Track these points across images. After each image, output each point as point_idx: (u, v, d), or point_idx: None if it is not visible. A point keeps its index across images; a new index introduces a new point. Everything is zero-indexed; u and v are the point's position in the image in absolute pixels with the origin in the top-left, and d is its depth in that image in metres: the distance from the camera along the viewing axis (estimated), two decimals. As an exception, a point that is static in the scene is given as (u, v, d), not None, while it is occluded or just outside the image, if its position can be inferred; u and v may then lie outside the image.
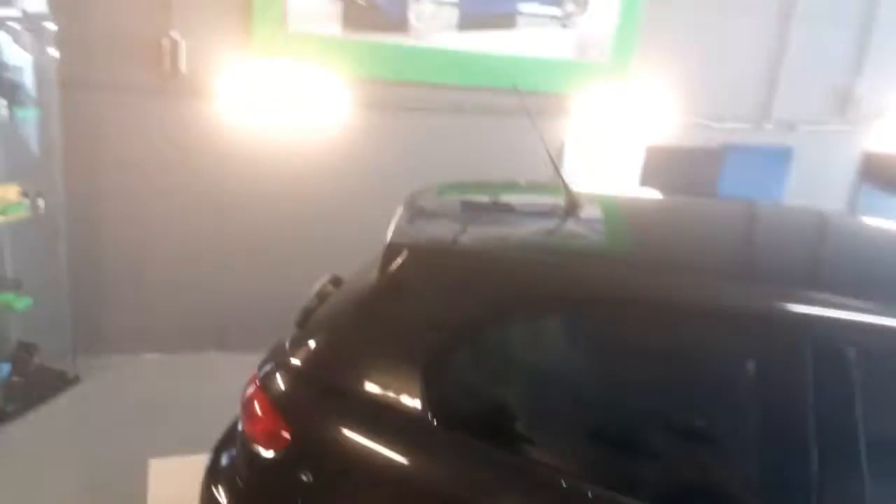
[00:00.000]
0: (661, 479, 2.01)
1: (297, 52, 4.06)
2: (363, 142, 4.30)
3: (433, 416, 2.05)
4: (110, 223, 4.03)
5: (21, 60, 3.55)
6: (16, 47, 3.52)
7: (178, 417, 3.74)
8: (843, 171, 5.55)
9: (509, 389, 2.17)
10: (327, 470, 2.14)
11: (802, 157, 5.28)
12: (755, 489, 1.91)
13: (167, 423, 3.72)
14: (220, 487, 2.35)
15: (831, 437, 1.83)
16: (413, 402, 2.08)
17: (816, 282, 2.14)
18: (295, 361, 2.26)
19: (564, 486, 1.96)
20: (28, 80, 3.58)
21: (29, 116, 3.61)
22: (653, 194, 3.46)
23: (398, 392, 2.10)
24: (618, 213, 2.87)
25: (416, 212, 2.59)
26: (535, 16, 4.44)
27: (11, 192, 3.66)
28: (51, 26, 3.51)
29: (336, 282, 2.67)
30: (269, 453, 2.18)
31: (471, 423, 2.08)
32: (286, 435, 2.16)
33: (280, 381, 2.24)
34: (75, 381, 3.94)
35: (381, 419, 2.11)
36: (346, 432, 2.13)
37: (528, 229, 2.58)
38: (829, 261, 2.47)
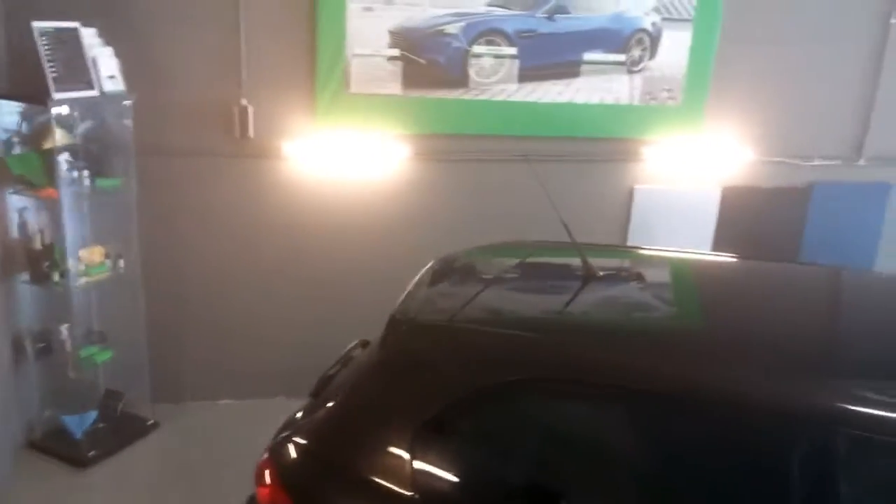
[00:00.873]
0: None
1: (359, 113, 4.19)
2: (424, 194, 4.38)
3: (419, 495, 2.09)
4: (185, 278, 4.29)
5: (102, 134, 3.86)
6: (97, 123, 3.83)
7: (251, 461, 3.92)
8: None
9: (491, 471, 2.17)
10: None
11: (903, 194, 4.95)
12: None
13: (239, 466, 3.90)
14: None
15: None
16: (401, 481, 2.12)
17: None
18: (301, 433, 2.36)
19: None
20: (108, 151, 3.89)
21: (109, 185, 3.92)
22: (716, 258, 3.31)
23: (388, 470, 2.15)
24: (634, 284, 2.83)
25: (433, 280, 2.64)
26: (600, 63, 4.39)
27: (96, 254, 3.97)
28: (127, 103, 3.80)
29: (364, 345, 2.75)
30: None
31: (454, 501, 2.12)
32: (290, 508, 2.25)
33: (287, 453, 2.35)
34: (154, 426, 4.22)
35: (372, 497, 2.17)
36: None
37: (535, 300, 2.59)
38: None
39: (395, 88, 4.21)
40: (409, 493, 2.11)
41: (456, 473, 2.16)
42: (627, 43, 4.39)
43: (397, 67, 4.18)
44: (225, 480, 3.71)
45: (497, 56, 4.27)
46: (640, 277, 2.97)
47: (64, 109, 3.56)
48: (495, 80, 4.30)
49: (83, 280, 3.86)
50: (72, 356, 3.93)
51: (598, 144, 4.55)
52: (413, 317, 2.34)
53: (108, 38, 3.72)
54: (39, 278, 3.79)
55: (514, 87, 4.33)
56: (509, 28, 4.25)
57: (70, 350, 3.93)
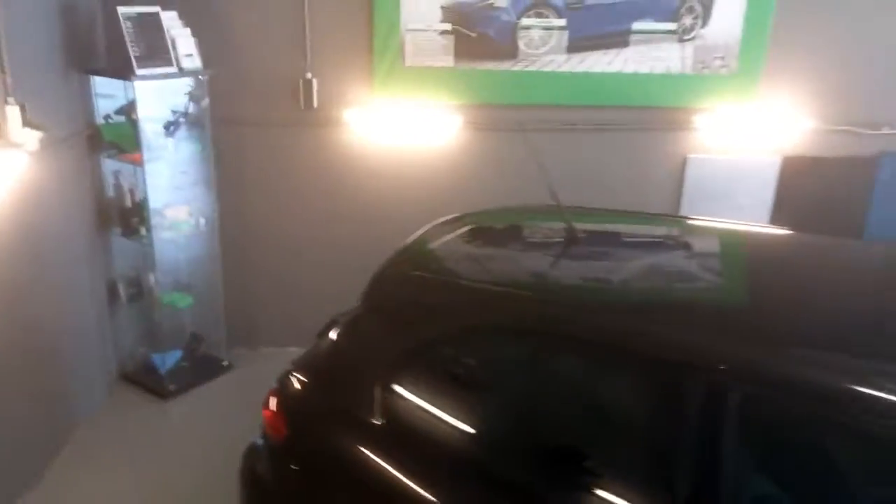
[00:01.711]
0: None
1: (414, 84, 4.48)
2: (475, 161, 4.62)
3: (387, 421, 2.39)
4: (258, 236, 4.76)
5: (184, 107, 4.35)
6: (179, 97, 4.33)
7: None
8: None
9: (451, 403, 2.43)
10: (309, 464, 2.56)
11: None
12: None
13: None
14: (255, 462, 2.85)
15: None
16: (373, 411, 2.42)
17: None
18: (300, 368, 2.71)
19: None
20: (190, 122, 4.38)
21: (191, 152, 4.42)
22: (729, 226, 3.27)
23: (363, 401, 2.46)
24: (616, 248, 2.95)
25: (425, 239, 2.91)
26: (650, 32, 4.46)
27: (181, 213, 4.50)
28: (204, 78, 4.27)
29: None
30: (274, 441, 2.64)
31: (414, 426, 2.39)
32: (285, 430, 2.61)
33: (288, 384, 2.70)
34: (229, 367, 4.75)
35: (350, 424, 2.48)
36: (327, 435, 2.54)
37: (512, 260, 2.79)
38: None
39: (448, 61, 4.47)
40: (378, 422, 2.40)
41: (418, 405, 2.44)
42: (678, 11, 4.42)
43: (449, 41, 4.44)
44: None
45: (546, 28, 4.43)
46: (622, 240, 3.09)
47: (147, 84, 4.06)
48: (544, 51, 4.47)
49: (167, 234, 4.39)
50: (157, 301, 4.49)
51: (649, 113, 4.62)
52: (394, 269, 2.64)
53: (187, 20, 4.17)
54: (129, 232, 4.35)
55: (563, 57, 4.48)
56: (558, 0, 4.40)
57: (157, 296, 4.49)
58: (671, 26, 4.46)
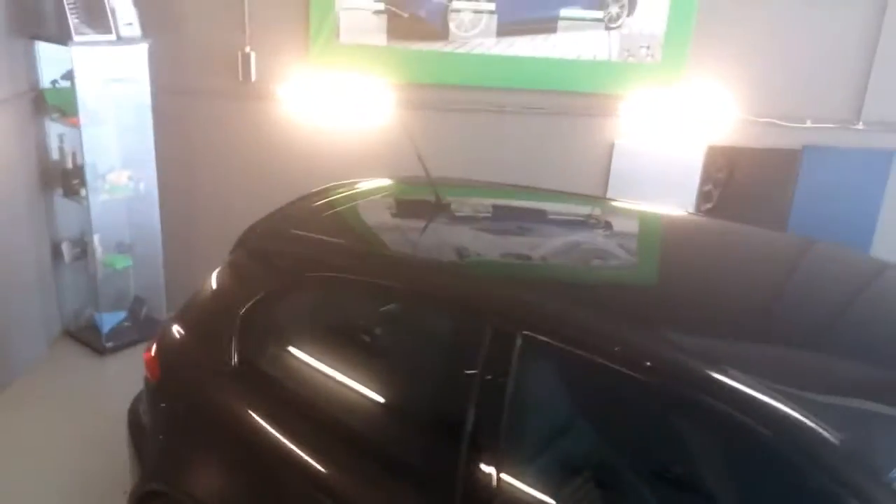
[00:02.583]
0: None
1: (348, 61, 4.65)
2: (404, 138, 4.77)
3: (239, 361, 2.60)
4: (198, 201, 4.98)
5: (124, 75, 4.55)
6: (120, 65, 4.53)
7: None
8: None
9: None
10: (175, 403, 2.77)
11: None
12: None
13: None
14: (138, 404, 3.07)
15: None
16: (228, 354, 2.63)
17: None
18: (176, 317, 2.91)
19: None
20: (129, 89, 4.58)
21: (130, 117, 4.62)
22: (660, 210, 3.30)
23: (222, 346, 2.66)
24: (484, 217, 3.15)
25: (296, 203, 3.11)
26: (577, 20, 4.61)
27: (122, 177, 4.71)
28: (143, 46, 4.47)
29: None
30: (151, 383, 2.86)
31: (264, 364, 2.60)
32: (158, 372, 2.82)
33: (166, 332, 2.91)
34: (166, 328, 4.95)
35: (207, 368, 2.69)
36: (190, 376, 2.74)
37: (378, 223, 3.00)
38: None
39: (381, 40, 4.65)
40: (232, 364, 2.61)
41: (269, 348, 2.65)
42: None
43: (382, 20, 4.61)
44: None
45: (475, 11, 4.60)
46: (482, 209, 3.28)
47: (85, 50, 4.26)
48: (474, 33, 4.64)
49: (105, 197, 4.60)
50: (99, 263, 4.70)
51: (576, 99, 4.78)
52: (262, 224, 2.85)
53: (128, -10, 4.39)
54: (70, 192, 4.56)
55: (492, 41, 4.65)
56: (488, -16, 4.57)
57: (99, 257, 4.71)
58: (598, 14, 4.61)
